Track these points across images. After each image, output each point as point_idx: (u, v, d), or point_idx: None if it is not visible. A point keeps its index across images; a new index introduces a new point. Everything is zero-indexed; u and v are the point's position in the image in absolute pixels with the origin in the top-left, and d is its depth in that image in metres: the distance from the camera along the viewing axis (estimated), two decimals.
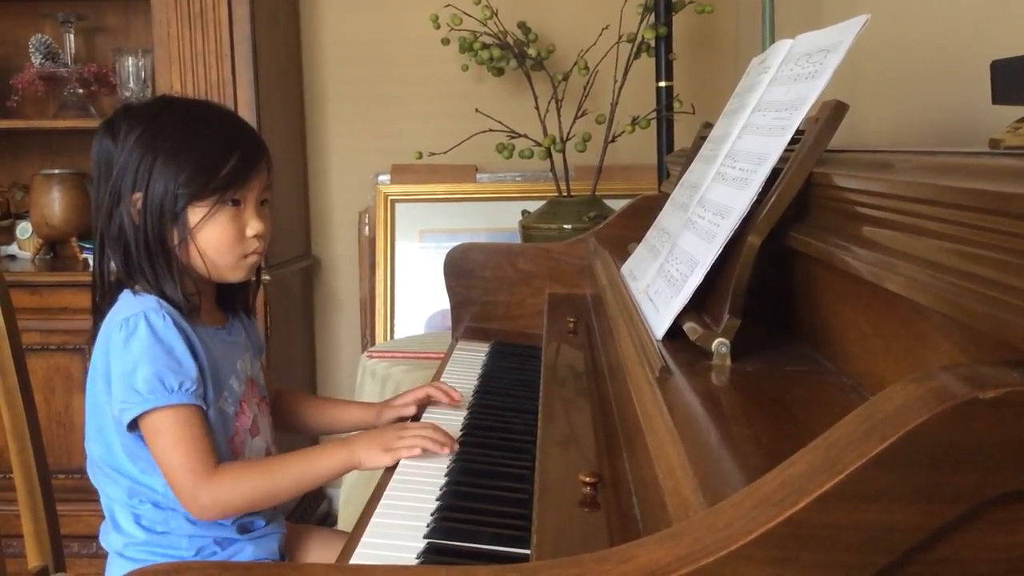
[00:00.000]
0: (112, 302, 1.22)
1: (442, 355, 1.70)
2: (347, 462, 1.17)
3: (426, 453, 1.14)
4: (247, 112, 2.43)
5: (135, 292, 1.21)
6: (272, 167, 1.29)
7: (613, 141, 2.41)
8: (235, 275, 1.27)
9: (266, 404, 1.36)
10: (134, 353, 1.15)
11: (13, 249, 2.86)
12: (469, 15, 2.45)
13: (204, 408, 1.18)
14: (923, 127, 1.52)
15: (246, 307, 1.38)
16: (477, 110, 2.51)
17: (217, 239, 1.22)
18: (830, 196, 0.87)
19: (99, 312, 1.25)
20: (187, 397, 1.15)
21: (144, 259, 1.20)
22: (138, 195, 1.20)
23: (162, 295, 1.20)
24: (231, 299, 1.35)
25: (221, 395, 1.23)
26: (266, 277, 2.44)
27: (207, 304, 1.28)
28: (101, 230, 1.24)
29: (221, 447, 1.20)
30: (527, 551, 0.83)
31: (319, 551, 1.39)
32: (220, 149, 1.22)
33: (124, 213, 1.21)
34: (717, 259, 0.92)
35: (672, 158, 2.07)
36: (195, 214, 1.21)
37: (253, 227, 1.24)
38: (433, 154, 2.47)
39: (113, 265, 1.24)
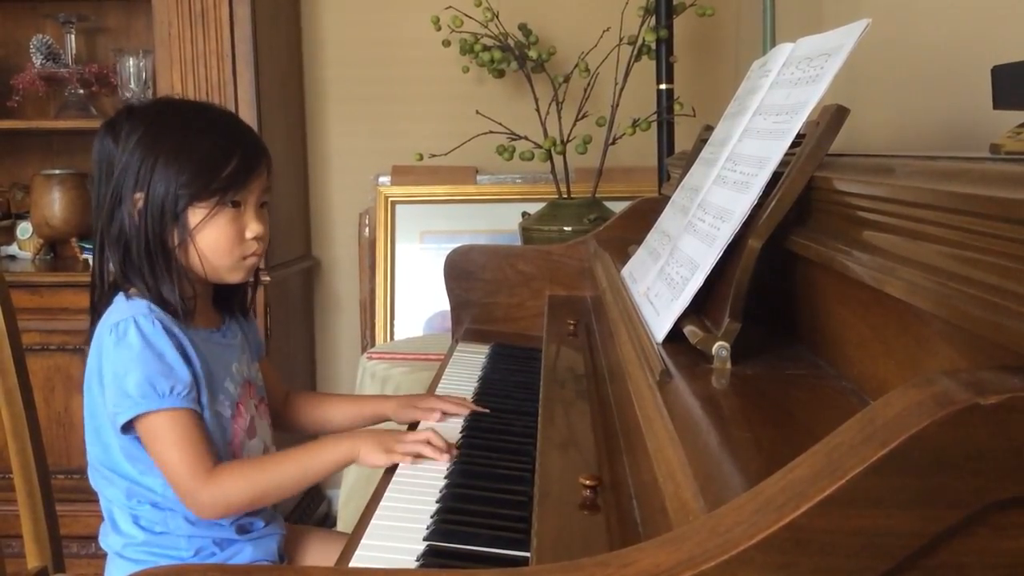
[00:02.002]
0: (109, 303, 1.23)
1: (442, 357, 1.70)
2: (347, 456, 1.17)
3: (423, 459, 1.14)
4: (248, 113, 2.43)
5: (128, 296, 1.21)
6: (272, 169, 1.29)
7: (613, 143, 2.41)
8: (234, 276, 1.27)
9: (265, 405, 1.36)
10: (124, 358, 1.15)
11: (13, 249, 2.86)
12: (470, 17, 2.45)
13: (198, 411, 1.18)
14: (924, 132, 1.53)
15: (244, 308, 1.38)
16: (478, 112, 2.51)
17: (217, 240, 1.22)
18: (831, 200, 0.87)
19: (96, 312, 1.25)
20: (179, 401, 1.15)
21: (144, 260, 1.20)
22: (139, 195, 1.20)
23: (159, 297, 1.20)
24: (229, 300, 1.35)
25: (216, 398, 1.23)
26: (266, 278, 2.44)
27: (203, 306, 1.28)
28: (101, 230, 1.24)
29: (219, 450, 1.21)
30: (527, 554, 0.83)
31: (318, 552, 1.39)
32: (221, 151, 1.22)
33: (125, 213, 1.21)
34: (717, 262, 0.92)
35: (673, 161, 2.07)
36: (195, 215, 1.21)
37: (253, 229, 1.24)
38: (434, 155, 2.47)
39: (111, 266, 1.24)
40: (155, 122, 1.23)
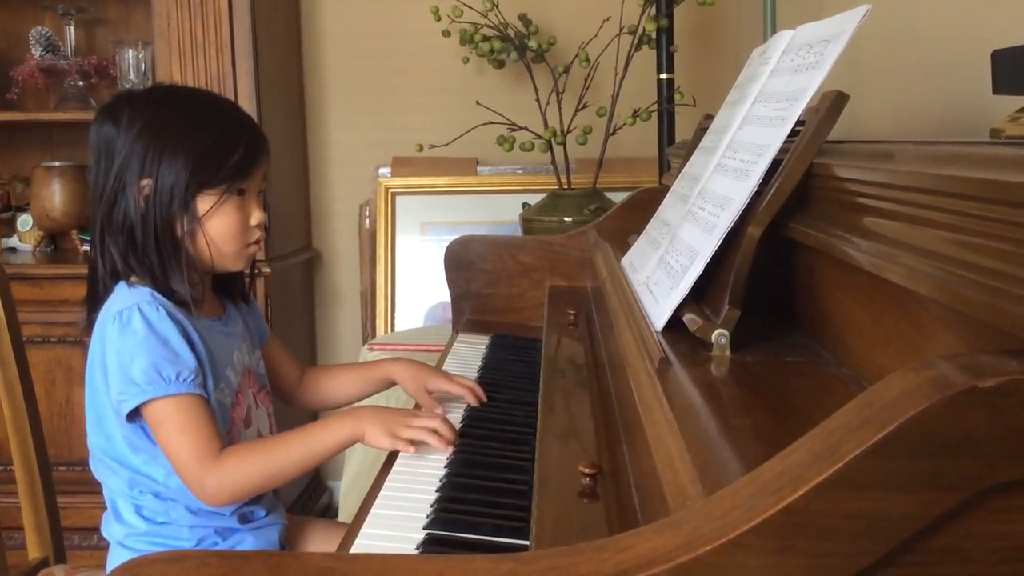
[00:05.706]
0: (108, 293, 1.22)
1: (443, 347, 1.70)
2: (352, 435, 1.17)
3: (426, 446, 1.14)
4: (247, 104, 2.43)
5: (130, 284, 1.21)
6: (270, 158, 1.29)
7: (614, 134, 2.40)
8: (237, 264, 1.27)
9: (265, 393, 1.36)
10: (129, 345, 1.15)
11: (14, 241, 2.86)
12: (470, 7, 2.44)
13: (205, 396, 1.18)
14: (924, 117, 1.52)
15: (243, 294, 1.38)
16: (478, 102, 2.50)
17: (225, 228, 1.22)
18: (830, 187, 0.86)
19: (94, 302, 1.24)
20: (186, 386, 1.15)
21: (152, 249, 1.20)
22: (146, 182, 1.19)
23: (166, 287, 1.19)
24: (228, 288, 1.35)
25: (218, 387, 1.23)
26: (267, 269, 2.44)
27: (206, 295, 1.29)
28: (101, 219, 1.23)
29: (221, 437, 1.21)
30: (527, 542, 0.83)
31: (320, 542, 1.39)
32: (229, 139, 1.22)
33: (130, 199, 1.20)
34: (717, 250, 0.92)
35: (673, 150, 2.07)
36: (204, 203, 1.21)
37: (256, 216, 1.26)
38: (434, 147, 2.46)
39: (114, 254, 1.24)
40: (159, 109, 1.22)
